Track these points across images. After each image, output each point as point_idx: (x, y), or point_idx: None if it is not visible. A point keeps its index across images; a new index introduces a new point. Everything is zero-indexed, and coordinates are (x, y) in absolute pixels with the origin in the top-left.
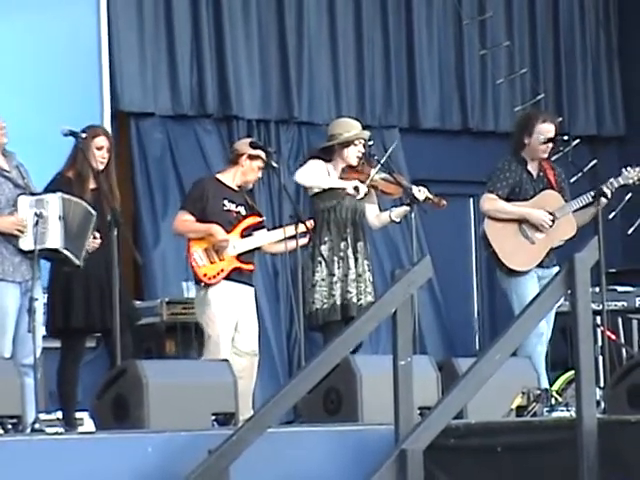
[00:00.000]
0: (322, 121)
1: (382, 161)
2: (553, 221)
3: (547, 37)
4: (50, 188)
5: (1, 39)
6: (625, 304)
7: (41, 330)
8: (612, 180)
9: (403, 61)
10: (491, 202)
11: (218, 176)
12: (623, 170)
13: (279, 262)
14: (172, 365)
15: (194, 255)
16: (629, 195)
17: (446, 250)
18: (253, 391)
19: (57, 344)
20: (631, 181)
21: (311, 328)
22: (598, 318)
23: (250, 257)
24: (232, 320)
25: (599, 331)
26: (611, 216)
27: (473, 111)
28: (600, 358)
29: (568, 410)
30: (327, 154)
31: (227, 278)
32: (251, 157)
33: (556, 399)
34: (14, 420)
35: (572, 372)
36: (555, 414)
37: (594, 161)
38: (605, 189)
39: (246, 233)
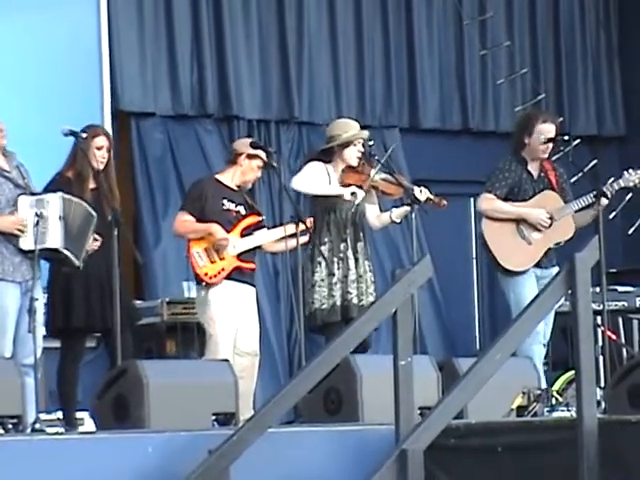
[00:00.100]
0: (322, 121)
1: (382, 161)
2: (551, 221)
3: (547, 37)
4: (50, 188)
5: (1, 39)
6: (625, 304)
7: (41, 330)
8: (613, 182)
9: (403, 61)
10: (489, 202)
11: (217, 176)
12: (624, 172)
13: (279, 262)
14: (172, 365)
15: (194, 255)
16: (629, 195)
17: (446, 250)
18: (254, 391)
19: (57, 344)
20: (632, 184)
21: (311, 329)
22: (599, 318)
23: (251, 256)
24: (233, 320)
25: (599, 331)
26: (611, 216)
27: (473, 111)
28: (600, 358)
29: (568, 410)
30: (327, 155)
31: (228, 277)
32: (250, 157)
33: (557, 399)
34: (14, 420)
35: (572, 372)
36: (555, 414)
37: (594, 161)
38: (606, 190)
39: (246, 232)
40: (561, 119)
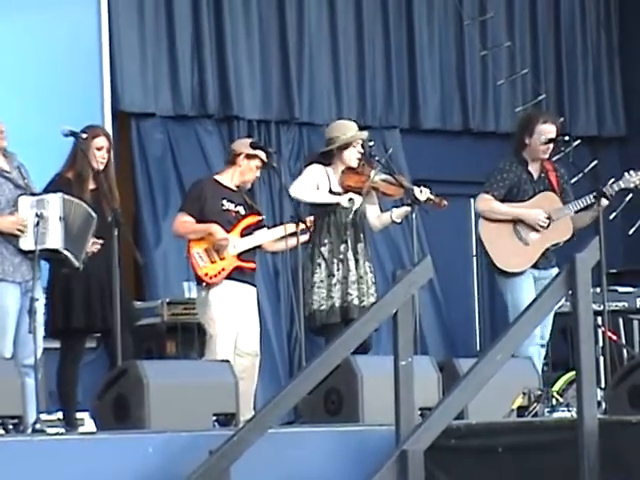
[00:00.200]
0: (323, 121)
1: (382, 162)
2: (549, 222)
3: (548, 37)
4: (49, 189)
5: (1, 39)
6: (626, 304)
7: (42, 330)
8: (612, 183)
9: (404, 61)
10: (486, 202)
11: (216, 177)
12: (625, 174)
13: (280, 262)
14: (173, 365)
15: (194, 256)
16: (630, 196)
17: (447, 250)
18: (254, 392)
19: (57, 344)
20: (632, 185)
21: (310, 330)
22: (599, 319)
23: (251, 256)
24: (234, 320)
25: (600, 332)
26: (612, 217)
27: (474, 112)
28: (601, 359)
29: (569, 410)
30: (326, 158)
31: (229, 277)
32: (249, 157)
33: (557, 399)
34: (15, 420)
35: (573, 373)
36: (556, 414)
37: (595, 162)
38: (606, 190)
39: (246, 232)
40: (562, 119)
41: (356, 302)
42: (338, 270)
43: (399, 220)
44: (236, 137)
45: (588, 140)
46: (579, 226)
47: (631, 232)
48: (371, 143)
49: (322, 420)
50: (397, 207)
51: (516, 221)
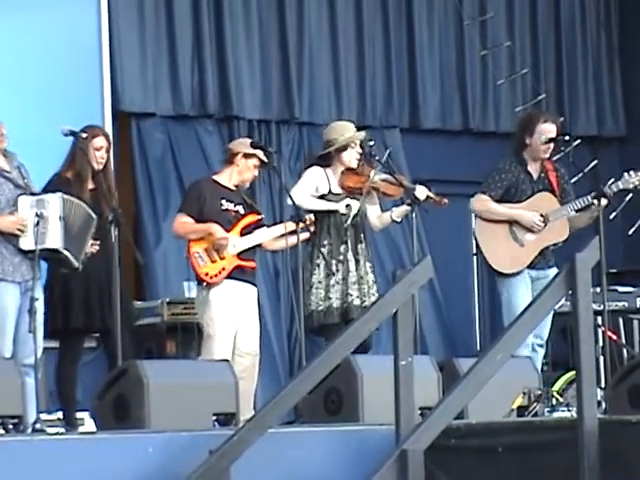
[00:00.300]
0: (323, 121)
1: (382, 161)
2: (545, 223)
3: (548, 37)
4: (48, 189)
5: (1, 39)
6: (626, 304)
7: (42, 330)
8: (612, 183)
9: (404, 61)
10: (482, 203)
11: (214, 177)
12: (624, 174)
13: (280, 261)
14: (173, 365)
15: (194, 256)
16: (630, 196)
17: (447, 250)
18: (254, 391)
19: (57, 344)
20: (631, 185)
21: (310, 330)
22: (599, 318)
23: (251, 255)
24: (233, 320)
25: (600, 331)
26: (612, 216)
27: (474, 111)
28: (601, 358)
29: (569, 410)
30: (325, 159)
31: (229, 277)
32: (246, 156)
33: (557, 399)
34: (15, 420)
35: (573, 372)
36: (556, 414)
37: (595, 161)
38: (605, 190)
39: (245, 231)
40: (562, 119)
41: (357, 302)
42: (338, 271)
43: (399, 219)
44: (236, 137)
45: (588, 140)
46: (578, 226)
47: (631, 232)
48: (371, 143)
49: (322, 420)
50: (397, 206)
51: (512, 222)
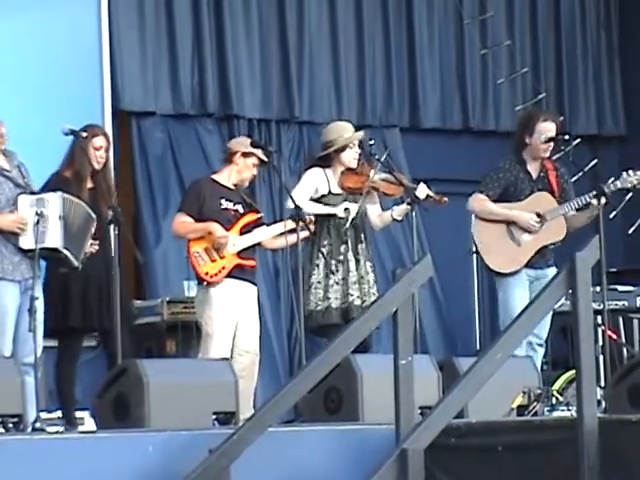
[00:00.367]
0: (323, 120)
1: (382, 160)
2: (541, 224)
3: (548, 36)
4: (47, 188)
5: (1, 39)
6: (626, 303)
7: (41, 329)
8: (610, 182)
9: (404, 60)
10: (479, 202)
11: (213, 176)
12: (623, 173)
13: (280, 261)
14: (173, 364)
15: (194, 255)
16: (630, 195)
17: (447, 249)
18: (254, 390)
19: (56, 343)
20: (630, 185)
21: (310, 330)
22: (599, 317)
23: (251, 253)
24: (233, 319)
25: (600, 330)
26: (612, 216)
27: (474, 110)
28: (601, 357)
29: (569, 409)
30: (325, 160)
31: (229, 275)
32: (245, 155)
33: (557, 398)
34: (15, 419)
35: (573, 371)
36: (556, 413)
37: (595, 161)
38: (606, 189)
39: (245, 230)
40: (562, 118)
41: (358, 302)
42: (337, 271)
43: (400, 218)
44: (236, 136)
45: (588, 139)
46: (576, 226)
47: (631, 231)
48: (371, 142)
49: (322, 419)
50: (398, 205)
51: (509, 222)
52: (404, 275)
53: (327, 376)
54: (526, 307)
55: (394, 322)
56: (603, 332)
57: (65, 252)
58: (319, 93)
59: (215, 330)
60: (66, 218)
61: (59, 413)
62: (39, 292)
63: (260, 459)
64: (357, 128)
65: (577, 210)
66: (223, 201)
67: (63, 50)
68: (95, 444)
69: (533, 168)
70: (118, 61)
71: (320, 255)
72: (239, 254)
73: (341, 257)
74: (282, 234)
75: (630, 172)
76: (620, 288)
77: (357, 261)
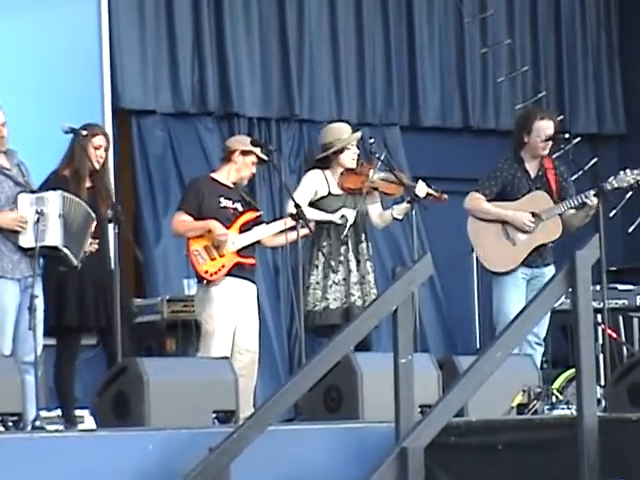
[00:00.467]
0: (323, 119)
1: (381, 158)
2: (535, 224)
3: (548, 35)
4: (45, 186)
5: (1, 38)
6: (626, 302)
7: (41, 327)
8: (607, 181)
9: (404, 59)
10: (475, 201)
11: (212, 175)
12: (620, 172)
13: (280, 259)
14: (173, 363)
15: (194, 253)
16: (630, 194)
17: (447, 247)
18: (254, 389)
19: (55, 341)
20: (626, 184)
21: (311, 330)
22: (599, 316)
23: (250, 251)
24: (233, 317)
25: (600, 329)
26: (612, 214)
27: (474, 109)
28: (601, 356)
29: (569, 408)
30: (324, 162)
31: (229, 274)
32: (244, 153)
33: (557, 397)
34: (15, 418)
35: (573, 370)
36: (556, 412)
37: (595, 159)
38: (605, 187)
39: (244, 228)
40: (561, 117)
41: (359, 303)
42: (337, 272)
43: (400, 217)
44: (237, 134)
45: (588, 138)
46: (574, 225)
47: (631, 230)
48: (371, 140)
49: (322, 417)
50: (398, 204)
51: (504, 221)
52: (404, 274)
53: (327, 374)
54: (526, 305)
55: (394, 321)
56: (603, 331)
57: (65, 251)
58: (319, 91)
59: (215, 328)
60: (66, 217)
61: (59, 411)
62: (39, 290)
63: (260, 458)
64: (357, 126)
65: (574, 209)
66: (222, 199)
67: (64, 49)
68: (95, 442)
69: (532, 167)
70: (118, 60)
71: (320, 255)
72: (239, 252)
73: (341, 258)
74: (282, 232)
75: (627, 171)
76: (620, 287)
77: (358, 261)
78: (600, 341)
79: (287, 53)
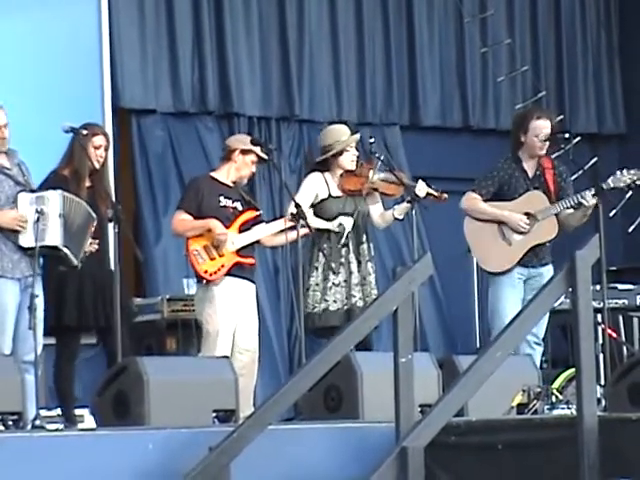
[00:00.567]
0: (323, 118)
1: (382, 158)
2: (531, 224)
3: (548, 35)
4: (45, 186)
5: (1, 38)
6: (626, 302)
7: (42, 327)
8: (605, 181)
9: (404, 58)
10: (471, 201)
11: (212, 174)
12: (617, 172)
13: (280, 259)
14: (173, 362)
15: (193, 253)
16: (630, 193)
17: (447, 247)
18: (254, 388)
19: (54, 341)
20: (623, 184)
21: (311, 331)
22: (599, 316)
23: (250, 251)
24: (233, 317)
25: (600, 329)
26: (612, 214)
27: (474, 109)
28: (601, 356)
29: (569, 408)
30: (324, 165)
31: (228, 273)
32: (244, 152)
33: (557, 397)
34: (15, 417)
35: (573, 370)
36: (556, 412)
37: (595, 159)
38: (605, 186)
39: (244, 228)
40: (561, 117)
41: (360, 304)
42: (338, 273)
43: (401, 217)
44: (236, 134)
45: (588, 137)
46: (572, 225)
47: (631, 229)
48: (372, 140)
49: (322, 417)
50: (398, 204)
51: (500, 221)
52: (404, 273)
53: (327, 374)
54: (526, 305)
55: (394, 320)
56: (603, 330)
57: (65, 250)
58: (319, 91)
59: (215, 328)
60: (66, 216)
61: (59, 411)
62: (39, 290)
63: (260, 457)
64: (357, 126)
65: (572, 209)
66: (222, 198)
67: (64, 48)
68: (95, 442)
69: (529, 166)
70: (118, 59)
71: (320, 256)
72: (238, 252)
73: (342, 259)
74: (282, 232)
75: (624, 171)
76: (620, 286)
77: (359, 262)
78: (600, 341)
79: (287, 53)
